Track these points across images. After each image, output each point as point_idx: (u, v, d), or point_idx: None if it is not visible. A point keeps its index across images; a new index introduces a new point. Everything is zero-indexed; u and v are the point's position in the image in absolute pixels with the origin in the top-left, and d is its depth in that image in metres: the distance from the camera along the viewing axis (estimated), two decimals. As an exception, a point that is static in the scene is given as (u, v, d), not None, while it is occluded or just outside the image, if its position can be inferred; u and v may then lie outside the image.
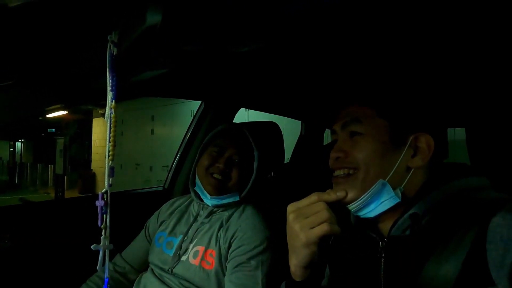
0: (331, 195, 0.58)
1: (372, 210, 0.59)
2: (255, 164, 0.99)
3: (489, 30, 0.58)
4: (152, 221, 1.15)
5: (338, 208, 0.58)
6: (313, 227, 0.55)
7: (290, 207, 0.59)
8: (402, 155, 0.60)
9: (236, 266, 0.90)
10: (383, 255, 0.60)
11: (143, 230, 1.16)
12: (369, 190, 0.59)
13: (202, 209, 1.03)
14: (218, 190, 0.98)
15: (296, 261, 0.60)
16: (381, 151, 0.60)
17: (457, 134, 2.61)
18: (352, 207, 0.60)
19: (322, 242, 0.57)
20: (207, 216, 1.01)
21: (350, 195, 0.60)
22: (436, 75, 0.89)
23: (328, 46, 0.70)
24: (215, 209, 1.01)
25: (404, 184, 0.59)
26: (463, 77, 0.89)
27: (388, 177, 0.59)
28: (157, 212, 1.15)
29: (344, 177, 0.61)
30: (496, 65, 0.78)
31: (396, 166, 0.59)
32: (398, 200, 0.57)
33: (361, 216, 0.61)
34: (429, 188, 0.58)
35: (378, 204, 0.59)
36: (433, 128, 0.62)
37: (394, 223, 0.58)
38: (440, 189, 0.57)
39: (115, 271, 1.12)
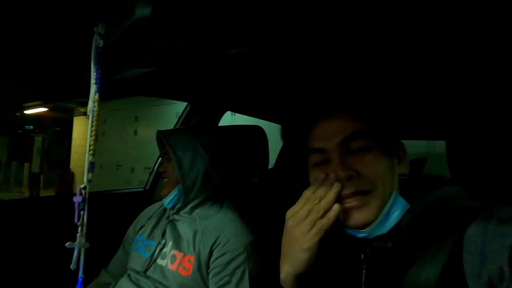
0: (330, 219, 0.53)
1: (386, 226, 0.57)
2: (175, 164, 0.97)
3: (470, 43, 0.60)
4: (129, 233, 1.14)
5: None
6: (311, 229, 0.54)
7: (289, 213, 0.57)
8: (395, 165, 0.60)
9: (220, 280, 0.88)
10: (364, 266, 0.59)
11: (121, 245, 1.15)
12: (386, 206, 0.56)
13: (169, 212, 1.04)
14: (165, 190, 1.02)
15: (290, 269, 0.57)
16: (389, 164, 0.58)
17: (436, 147, 2.70)
18: (368, 229, 0.57)
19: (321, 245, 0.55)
20: (174, 217, 1.02)
21: (371, 217, 0.55)
22: (417, 88, 0.91)
23: (319, 54, 0.71)
24: (176, 210, 1.01)
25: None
26: (445, 90, 0.92)
27: (396, 187, 0.58)
28: (134, 223, 1.15)
29: (361, 199, 0.55)
30: (477, 78, 0.81)
31: (397, 176, 0.59)
32: (408, 206, 0.57)
33: (371, 237, 0.58)
34: (409, 198, 0.58)
35: (391, 217, 0.56)
36: (400, 137, 0.65)
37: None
38: (420, 200, 0.58)
39: (97, 285, 1.11)
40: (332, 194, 0.54)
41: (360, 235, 0.58)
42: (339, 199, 0.55)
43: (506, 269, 0.43)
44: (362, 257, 0.59)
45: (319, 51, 0.67)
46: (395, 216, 0.56)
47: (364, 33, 0.55)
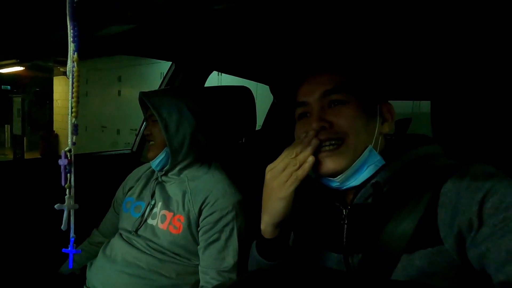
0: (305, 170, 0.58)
1: (358, 178, 0.60)
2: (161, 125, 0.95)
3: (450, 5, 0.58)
4: (118, 194, 1.15)
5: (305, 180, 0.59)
6: (287, 181, 0.57)
7: (268, 167, 0.61)
8: (377, 123, 0.63)
9: (210, 237, 0.91)
10: (346, 221, 0.63)
11: (111, 206, 1.17)
12: (360, 157, 0.59)
13: (158, 174, 1.05)
14: (152, 153, 1.01)
15: (269, 218, 0.62)
16: (364, 119, 0.61)
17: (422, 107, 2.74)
18: (340, 178, 0.60)
19: (296, 197, 0.59)
20: (162, 178, 1.02)
21: (341, 165, 0.59)
22: (401, 49, 0.90)
23: (305, 11, 0.68)
24: (164, 172, 1.01)
25: (378, 149, 0.62)
26: (432, 52, 0.91)
27: (373, 143, 0.61)
28: (122, 184, 1.16)
29: (333, 149, 0.60)
30: (461, 42, 0.81)
31: (376, 133, 0.62)
32: (383, 163, 0.60)
33: (343, 188, 0.62)
34: (390, 157, 0.61)
35: (364, 170, 0.60)
36: (388, 98, 0.67)
37: (357, 192, 0.61)
38: (400, 158, 0.60)
39: (90, 244, 1.13)
40: (309, 149, 0.58)
41: (333, 184, 0.62)
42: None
43: (475, 220, 0.47)
44: (344, 213, 0.63)
45: (308, 10, 0.65)
46: (369, 169, 0.59)
47: None
